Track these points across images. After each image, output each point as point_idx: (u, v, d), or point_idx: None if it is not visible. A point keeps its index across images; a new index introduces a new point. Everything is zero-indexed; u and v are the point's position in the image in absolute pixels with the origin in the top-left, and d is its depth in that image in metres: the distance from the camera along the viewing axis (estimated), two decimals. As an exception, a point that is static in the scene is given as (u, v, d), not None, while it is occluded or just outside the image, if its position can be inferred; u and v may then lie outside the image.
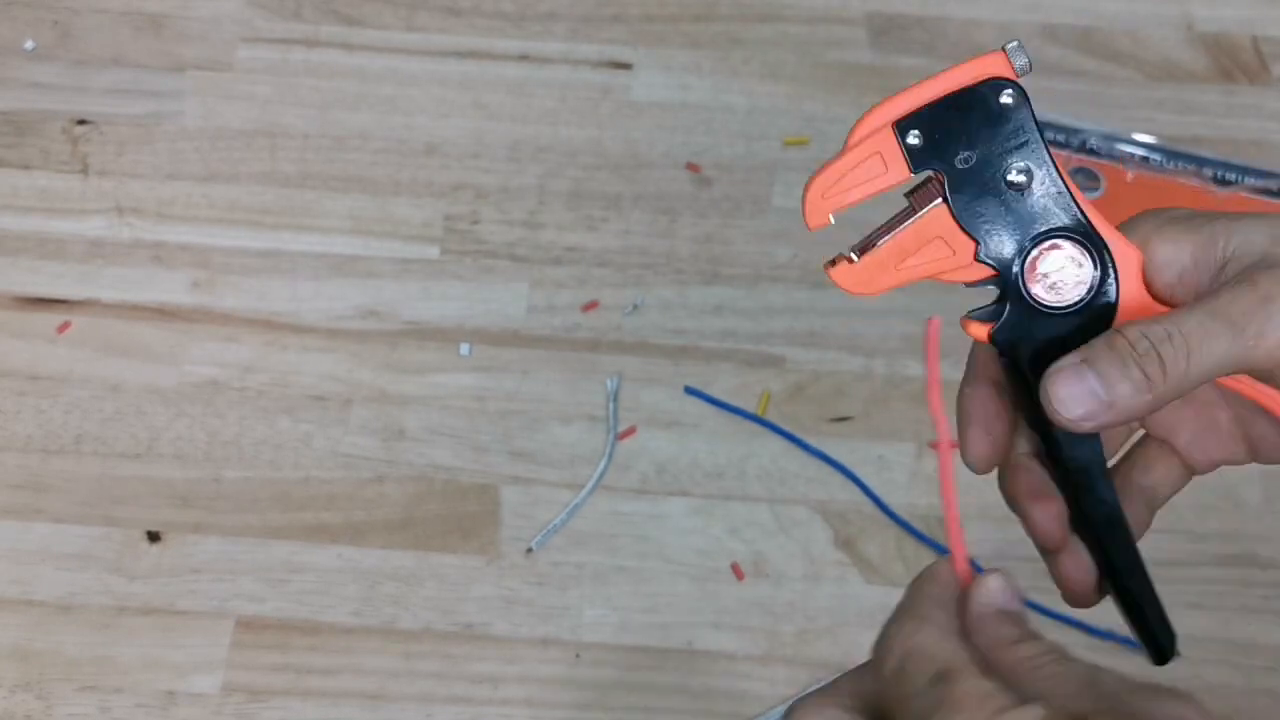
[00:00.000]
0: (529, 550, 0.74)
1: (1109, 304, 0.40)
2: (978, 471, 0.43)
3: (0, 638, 0.71)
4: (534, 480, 0.76)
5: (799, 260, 0.82)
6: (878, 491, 0.75)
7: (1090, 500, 0.41)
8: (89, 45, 0.90)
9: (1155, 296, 0.40)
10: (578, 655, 0.71)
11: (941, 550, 0.73)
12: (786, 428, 0.77)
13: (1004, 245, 0.40)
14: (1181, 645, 0.73)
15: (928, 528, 0.74)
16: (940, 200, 0.40)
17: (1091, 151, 0.85)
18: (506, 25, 0.91)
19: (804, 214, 0.42)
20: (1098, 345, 0.38)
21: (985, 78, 0.39)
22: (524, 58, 0.90)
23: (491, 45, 0.90)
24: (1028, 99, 0.39)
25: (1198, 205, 0.85)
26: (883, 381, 0.78)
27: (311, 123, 0.87)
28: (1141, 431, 0.44)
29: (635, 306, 0.81)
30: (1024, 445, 0.42)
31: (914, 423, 0.77)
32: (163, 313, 0.81)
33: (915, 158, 0.39)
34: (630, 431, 0.77)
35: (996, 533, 0.74)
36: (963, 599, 0.38)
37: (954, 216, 0.40)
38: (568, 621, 0.72)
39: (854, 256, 0.41)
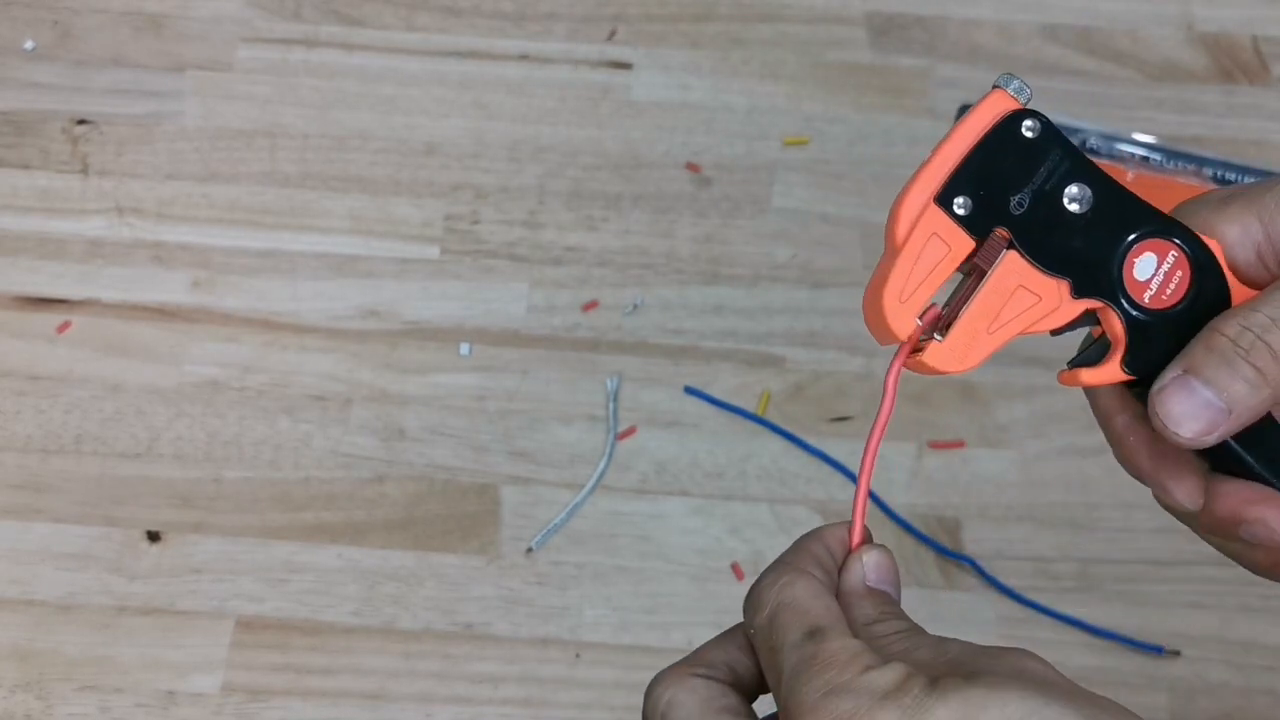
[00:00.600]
0: (529, 550, 0.74)
1: (1221, 293, 0.37)
2: (1193, 520, 0.39)
3: (0, 638, 0.71)
4: (534, 480, 0.76)
5: (799, 260, 0.82)
6: (878, 491, 0.75)
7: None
8: (89, 45, 0.90)
9: (1241, 279, 0.37)
10: (578, 655, 0.71)
11: (941, 550, 0.73)
12: (786, 428, 0.77)
13: (1097, 271, 0.37)
14: (1182, 645, 0.73)
15: (927, 527, 0.74)
16: (1008, 248, 0.37)
17: (1091, 151, 0.85)
18: (506, 25, 0.91)
19: (887, 329, 0.40)
20: (1196, 350, 0.35)
21: (998, 118, 0.37)
22: (524, 58, 0.90)
23: (491, 45, 0.90)
24: (1049, 122, 0.37)
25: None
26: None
27: (311, 123, 0.87)
28: None
29: (635, 306, 0.81)
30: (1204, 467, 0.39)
31: (914, 423, 0.77)
32: (163, 313, 0.81)
33: (972, 225, 0.37)
34: (630, 431, 0.77)
35: (996, 532, 0.74)
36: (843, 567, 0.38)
37: (1030, 261, 0.37)
38: (568, 621, 0.72)
39: (938, 336, 0.38)
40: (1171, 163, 0.84)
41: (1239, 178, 0.84)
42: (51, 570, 0.73)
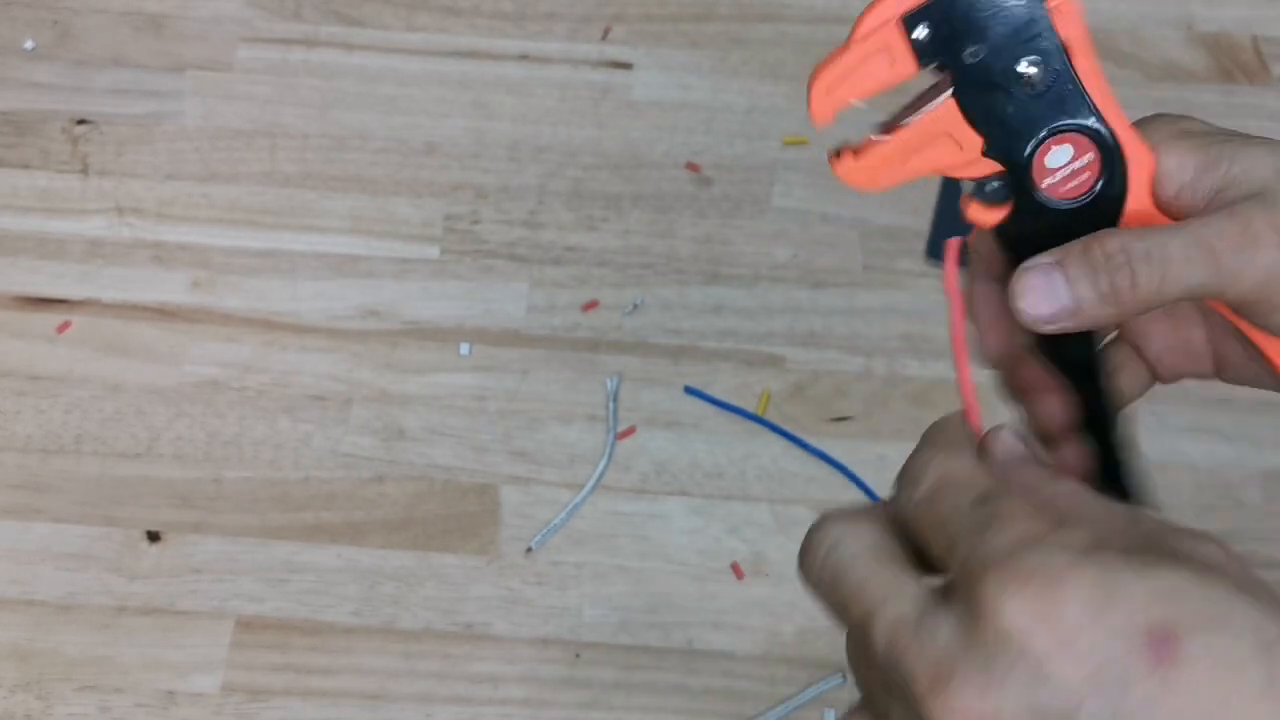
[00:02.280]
0: (529, 550, 0.74)
1: (1115, 206, 0.39)
2: (990, 366, 0.43)
3: (0, 638, 0.71)
4: (534, 480, 0.76)
5: (799, 260, 0.82)
6: (878, 491, 0.75)
7: (1085, 394, 0.41)
8: (89, 45, 0.90)
9: (1158, 206, 0.39)
10: (578, 655, 0.71)
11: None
12: (786, 428, 0.77)
13: (1012, 141, 0.38)
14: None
15: (928, 528, 0.74)
16: (949, 95, 0.38)
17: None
18: (506, 25, 0.91)
19: (809, 110, 0.40)
20: (1074, 248, 0.37)
21: None
22: (524, 57, 0.90)
23: (491, 45, 0.90)
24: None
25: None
26: (883, 381, 0.78)
27: (311, 123, 0.87)
28: (1115, 333, 0.44)
29: (635, 306, 0.81)
30: (1022, 339, 0.42)
31: (914, 422, 0.77)
32: (163, 313, 0.81)
33: (922, 52, 0.37)
34: (630, 431, 0.77)
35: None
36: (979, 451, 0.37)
37: (962, 111, 0.38)
38: (568, 621, 0.72)
39: (855, 151, 0.39)
40: (1171, 163, 0.84)
41: (1239, 178, 0.84)
42: (51, 570, 0.73)
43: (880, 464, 0.76)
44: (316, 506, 0.75)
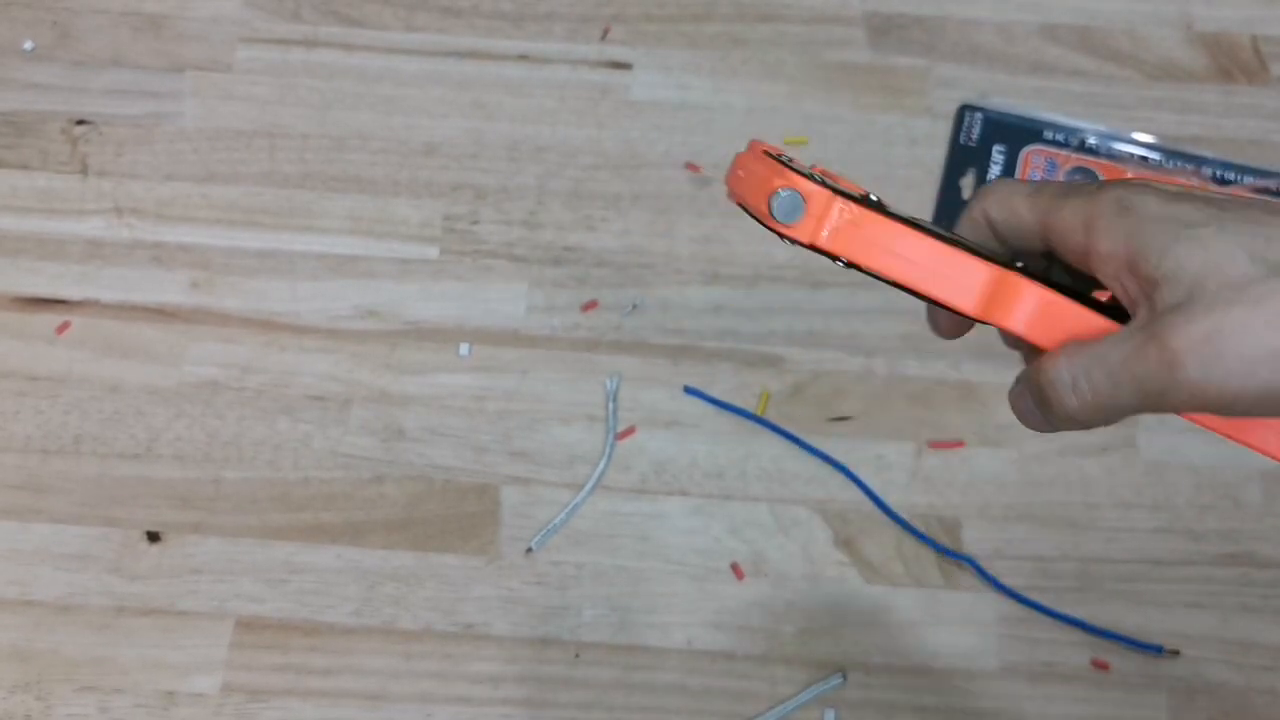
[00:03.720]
0: (529, 550, 0.74)
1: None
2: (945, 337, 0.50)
3: (0, 638, 0.71)
4: (534, 480, 0.76)
5: (798, 260, 0.82)
6: (877, 491, 0.75)
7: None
8: (88, 45, 0.90)
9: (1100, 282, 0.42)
10: (577, 655, 0.71)
11: (941, 549, 0.73)
12: (786, 428, 0.77)
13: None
14: (1181, 645, 0.73)
15: (927, 527, 0.74)
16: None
17: (1091, 151, 0.85)
18: (506, 25, 0.91)
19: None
20: (1031, 375, 0.41)
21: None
22: (523, 58, 0.90)
23: (491, 45, 0.90)
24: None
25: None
26: (882, 381, 0.78)
27: (311, 123, 0.87)
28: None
29: (635, 306, 0.81)
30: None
31: (913, 422, 0.77)
32: (162, 313, 0.81)
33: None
34: (630, 431, 0.77)
35: (996, 532, 0.74)
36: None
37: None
38: (567, 621, 0.72)
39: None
40: (1171, 162, 0.84)
41: (1238, 177, 0.84)
42: (51, 570, 0.73)
43: (880, 464, 0.76)
44: (316, 507, 0.75)
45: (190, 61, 0.89)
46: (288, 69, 0.89)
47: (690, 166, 0.85)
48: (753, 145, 0.44)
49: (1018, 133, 0.86)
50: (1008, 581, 0.72)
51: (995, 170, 0.84)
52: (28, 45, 0.90)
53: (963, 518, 0.75)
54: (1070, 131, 0.85)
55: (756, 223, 0.43)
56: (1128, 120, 0.86)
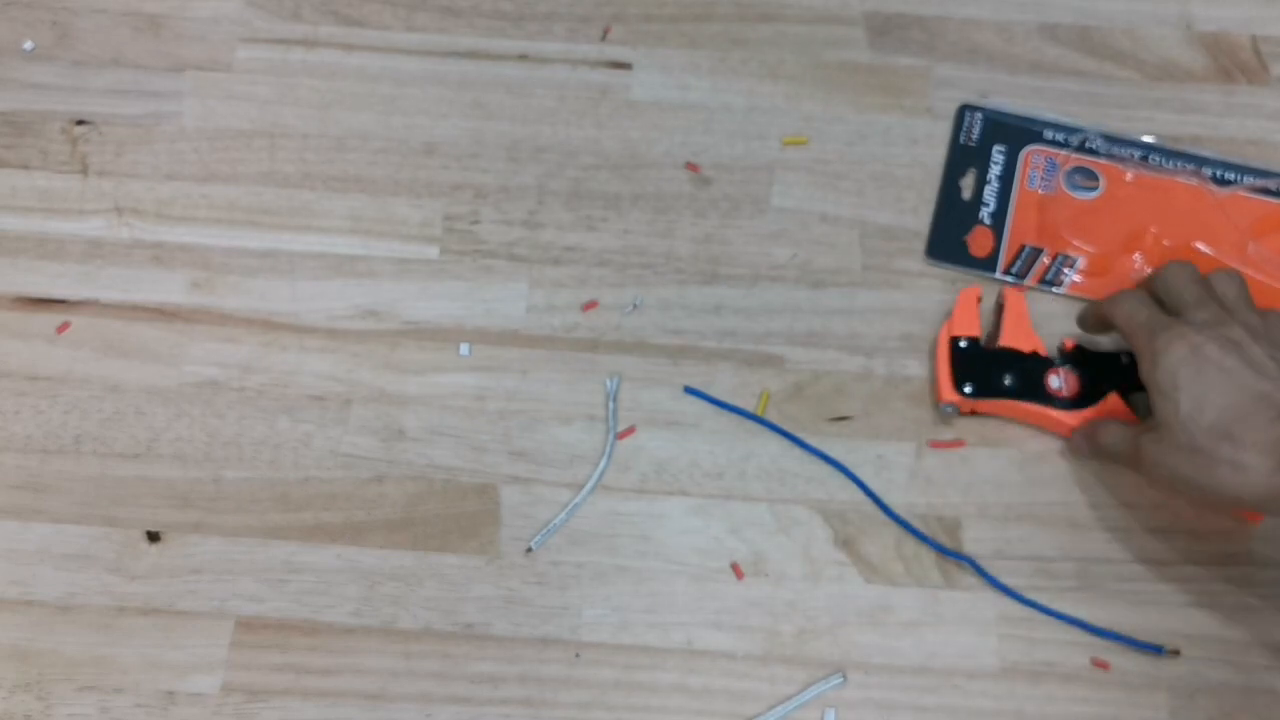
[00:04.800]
0: (529, 550, 0.74)
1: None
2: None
3: (0, 638, 0.71)
4: (534, 480, 0.76)
5: (798, 260, 0.82)
6: (877, 491, 0.75)
7: None
8: (88, 45, 0.90)
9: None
10: (577, 655, 0.71)
11: (941, 549, 0.73)
12: (786, 427, 0.77)
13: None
14: (1181, 645, 0.73)
15: (927, 527, 0.74)
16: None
17: (1090, 151, 0.85)
18: (506, 25, 0.91)
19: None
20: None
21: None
22: (523, 58, 0.90)
23: (490, 45, 0.90)
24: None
25: (1197, 205, 0.85)
26: (883, 381, 0.78)
27: (311, 123, 0.87)
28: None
29: (635, 306, 0.81)
30: None
31: (914, 422, 0.77)
32: (162, 313, 0.81)
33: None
34: (630, 431, 0.77)
35: (996, 532, 0.74)
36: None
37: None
38: (567, 621, 0.72)
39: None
40: (1171, 162, 0.84)
41: (1238, 178, 0.84)
42: (51, 570, 0.73)
43: (880, 464, 0.76)
44: (316, 507, 0.75)
45: (190, 61, 0.89)
46: (288, 69, 0.89)
47: (690, 166, 0.85)
48: None
49: (1018, 133, 0.86)
50: (1008, 581, 0.72)
51: (995, 170, 0.84)
52: (28, 45, 0.90)
53: (963, 517, 0.75)
54: (1070, 131, 0.85)
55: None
56: (1128, 120, 0.86)
